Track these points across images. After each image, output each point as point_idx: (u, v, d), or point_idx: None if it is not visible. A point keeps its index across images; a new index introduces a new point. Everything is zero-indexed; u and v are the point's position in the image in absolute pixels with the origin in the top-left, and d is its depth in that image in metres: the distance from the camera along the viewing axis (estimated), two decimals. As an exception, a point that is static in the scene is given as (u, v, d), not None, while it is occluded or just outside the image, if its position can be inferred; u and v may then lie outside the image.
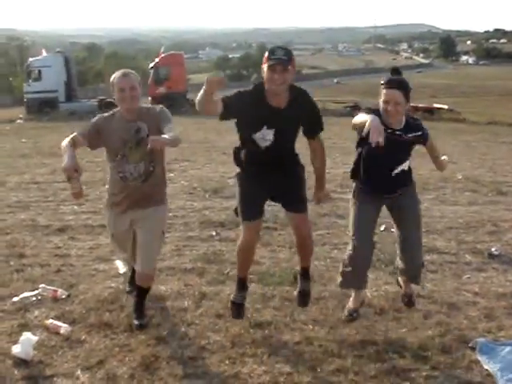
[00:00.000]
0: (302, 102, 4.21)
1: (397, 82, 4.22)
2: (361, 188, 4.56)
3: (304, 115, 4.26)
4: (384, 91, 4.19)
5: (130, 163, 4.35)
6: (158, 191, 4.56)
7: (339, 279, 4.70)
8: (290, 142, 4.42)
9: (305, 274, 4.65)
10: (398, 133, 4.25)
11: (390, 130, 4.18)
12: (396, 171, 4.42)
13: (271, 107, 4.11)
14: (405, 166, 4.46)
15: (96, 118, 4.46)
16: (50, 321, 4.56)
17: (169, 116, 4.40)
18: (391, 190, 4.51)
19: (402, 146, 4.35)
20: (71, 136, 4.27)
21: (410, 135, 4.31)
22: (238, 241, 4.39)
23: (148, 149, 3.96)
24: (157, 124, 4.28)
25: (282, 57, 3.97)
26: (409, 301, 4.81)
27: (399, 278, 4.90)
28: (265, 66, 4.01)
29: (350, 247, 4.53)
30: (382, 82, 4.23)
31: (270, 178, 4.31)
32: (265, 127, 4.15)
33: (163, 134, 4.12)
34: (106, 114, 4.46)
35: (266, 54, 4.03)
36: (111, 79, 4.33)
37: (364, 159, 4.43)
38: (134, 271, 4.89)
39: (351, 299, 4.73)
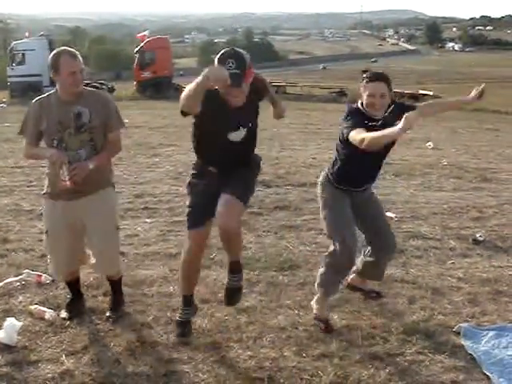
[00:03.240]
0: (256, 91, 3.80)
1: (379, 74, 4.19)
2: (335, 188, 4.43)
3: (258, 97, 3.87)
4: (368, 85, 4.14)
5: (69, 150, 4.04)
6: (100, 177, 4.22)
7: (321, 290, 4.44)
8: (254, 138, 4.04)
9: (233, 268, 4.16)
10: (381, 122, 4.09)
11: (373, 123, 4.08)
12: (381, 161, 4.38)
13: (231, 107, 3.73)
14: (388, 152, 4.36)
15: (30, 107, 4.19)
16: (35, 306, 4.54)
17: (118, 114, 4.25)
18: (365, 185, 4.45)
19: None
20: (26, 147, 4.23)
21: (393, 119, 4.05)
22: (182, 253, 4.18)
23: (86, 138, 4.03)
24: (102, 114, 4.12)
25: (234, 71, 3.48)
26: (377, 294, 4.83)
27: (354, 279, 4.84)
28: None
29: (336, 258, 4.26)
30: (365, 77, 4.19)
31: (222, 180, 3.91)
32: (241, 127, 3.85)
33: (109, 133, 4.17)
34: (41, 97, 4.20)
35: (216, 61, 3.55)
36: (52, 58, 4.00)
37: (351, 157, 4.24)
38: (71, 297, 4.64)
39: (319, 307, 4.45)
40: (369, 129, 3.96)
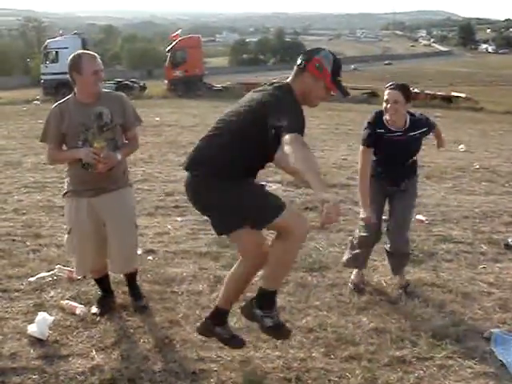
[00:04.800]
0: None
1: (397, 84, 4.64)
2: (371, 178, 4.80)
3: None
4: (385, 92, 4.63)
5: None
6: (121, 175, 4.42)
7: (345, 257, 5.18)
8: None
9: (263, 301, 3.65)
10: (399, 133, 4.63)
11: (391, 134, 4.63)
12: (405, 164, 4.85)
13: None
14: (414, 157, 4.90)
15: (50, 111, 4.29)
16: (66, 301, 4.60)
17: (134, 112, 4.43)
18: (398, 182, 4.86)
19: (407, 145, 4.70)
20: (51, 152, 4.32)
21: (415, 133, 4.68)
22: (245, 263, 3.57)
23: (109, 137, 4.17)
24: (120, 113, 4.28)
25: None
26: (405, 291, 5.00)
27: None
28: (321, 82, 3.40)
29: (358, 232, 5.00)
30: (386, 86, 4.67)
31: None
32: None
33: (127, 132, 4.37)
34: (59, 102, 4.30)
35: (331, 67, 3.40)
36: (73, 60, 4.13)
37: (376, 159, 4.82)
38: (102, 294, 4.67)
39: (354, 274, 5.13)
40: (381, 139, 4.60)
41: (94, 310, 4.51)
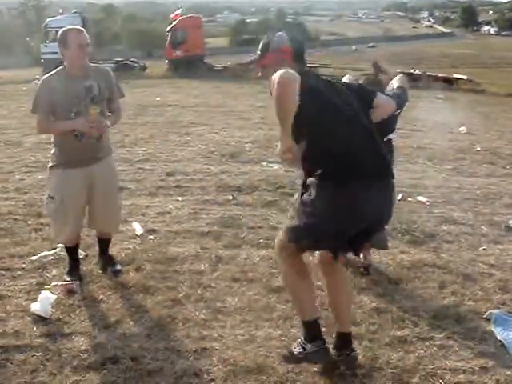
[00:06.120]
0: None
1: (368, 82, 4.66)
2: None
3: None
4: None
5: None
6: (107, 145, 4.70)
7: None
8: None
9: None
10: None
11: None
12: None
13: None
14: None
15: (41, 83, 4.47)
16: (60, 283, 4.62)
17: (118, 85, 4.69)
18: None
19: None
20: (43, 122, 4.49)
21: None
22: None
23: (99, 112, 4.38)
24: (107, 86, 4.51)
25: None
26: (365, 270, 4.98)
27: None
28: None
29: None
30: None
31: None
32: None
33: (112, 104, 4.59)
34: (49, 74, 4.49)
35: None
36: (61, 35, 4.34)
37: None
38: (73, 263, 4.82)
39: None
40: None
41: (70, 282, 4.58)
